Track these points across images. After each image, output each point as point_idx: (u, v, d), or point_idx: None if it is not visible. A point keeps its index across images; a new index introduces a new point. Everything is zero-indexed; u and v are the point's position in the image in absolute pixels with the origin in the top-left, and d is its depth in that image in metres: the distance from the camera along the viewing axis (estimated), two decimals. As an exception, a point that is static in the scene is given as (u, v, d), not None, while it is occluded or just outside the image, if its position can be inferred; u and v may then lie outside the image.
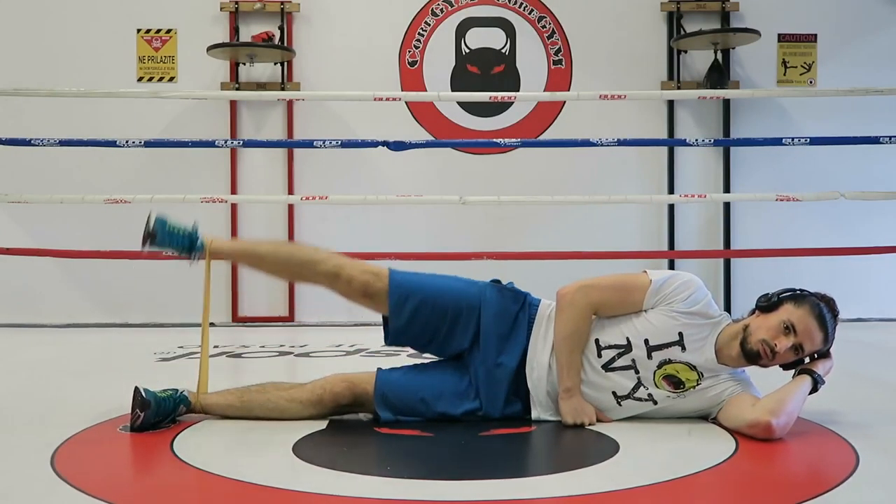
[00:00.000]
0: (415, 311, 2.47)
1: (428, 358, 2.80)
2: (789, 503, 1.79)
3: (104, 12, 5.61)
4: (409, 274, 2.55)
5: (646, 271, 2.46)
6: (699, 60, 5.69)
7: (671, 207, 5.70)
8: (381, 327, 2.57)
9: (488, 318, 2.47)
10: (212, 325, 5.36)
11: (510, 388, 2.44)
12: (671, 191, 5.69)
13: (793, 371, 2.38)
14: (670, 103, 5.69)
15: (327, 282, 2.50)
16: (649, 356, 2.37)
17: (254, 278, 5.54)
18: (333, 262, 2.50)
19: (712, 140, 5.41)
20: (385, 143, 4.66)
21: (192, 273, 5.36)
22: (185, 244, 2.56)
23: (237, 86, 5.56)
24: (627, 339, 2.39)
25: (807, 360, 2.37)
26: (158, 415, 2.31)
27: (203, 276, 2.63)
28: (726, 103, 5.66)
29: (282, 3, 5.57)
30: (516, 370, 2.44)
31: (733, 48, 5.64)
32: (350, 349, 4.16)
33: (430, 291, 2.50)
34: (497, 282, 2.57)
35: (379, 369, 2.48)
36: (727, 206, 5.67)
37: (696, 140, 5.18)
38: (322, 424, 2.38)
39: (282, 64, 5.57)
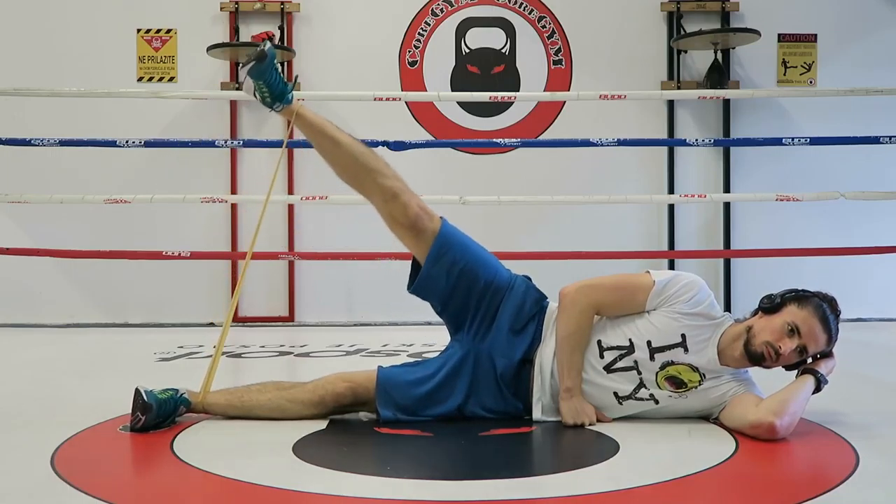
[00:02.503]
0: (452, 264, 2.46)
1: (430, 355, 2.79)
2: (789, 503, 1.78)
3: (104, 12, 5.61)
4: (459, 232, 2.54)
5: (648, 272, 2.45)
6: (699, 60, 5.69)
7: (671, 207, 5.70)
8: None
9: (508, 307, 2.47)
10: (211, 324, 5.41)
11: (510, 384, 2.44)
12: (671, 191, 5.69)
13: (795, 371, 2.39)
14: (670, 103, 5.69)
15: (382, 198, 2.45)
16: (652, 358, 2.37)
17: (254, 279, 5.54)
18: (397, 183, 2.45)
19: (712, 140, 5.41)
20: (385, 143, 4.66)
21: (192, 273, 5.39)
22: (279, 88, 2.47)
23: (237, 86, 5.55)
24: (630, 340, 2.39)
25: (809, 359, 2.37)
26: (159, 416, 2.31)
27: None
28: (726, 103, 5.66)
29: (282, 3, 5.57)
30: (517, 367, 2.44)
31: (733, 48, 5.64)
32: (350, 349, 4.16)
33: (471, 255, 2.50)
34: (528, 278, 2.57)
35: (379, 367, 2.48)
36: (727, 206, 5.67)
37: (696, 140, 5.19)
38: (322, 424, 2.38)
39: (282, 64, 5.57)
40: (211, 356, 2.54)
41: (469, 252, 2.50)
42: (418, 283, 2.50)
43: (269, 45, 2.48)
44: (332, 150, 2.50)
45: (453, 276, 2.46)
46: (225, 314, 5.49)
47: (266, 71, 2.45)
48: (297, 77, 2.60)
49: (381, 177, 2.45)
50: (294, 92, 2.54)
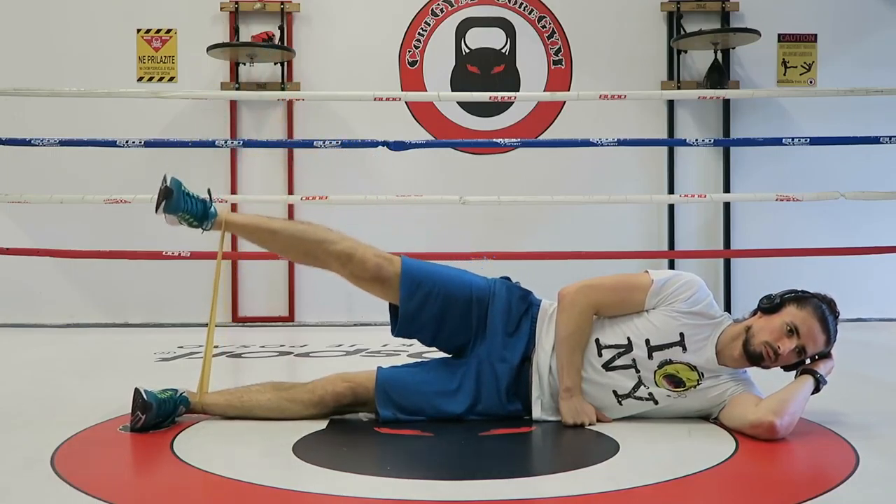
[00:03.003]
0: (426, 298, 2.46)
1: (430, 355, 2.80)
2: (789, 503, 1.79)
3: (104, 12, 5.61)
4: (422, 262, 2.54)
5: (647, 271, 2.46)
6: (699, 60, 5.69)
7: (671, 207, 5.70)
8: (388, 319, 2.55)
9: (496, 313, 2.48)
10: (212, 325, 5.40)
11: (511, 387, 2.44)
12: (671, 191, 5.69)
13: (794, 371, 2.39)
14: (670, 103, 5.69)
15: (339, 262, 2.46)
16: (650, 356, 2.37)
17: (254, 279, 5.55)
18: (347, 244, 2.46)
19: (712, 140, 5.41)
20: (385, 143, 4.66)
21: (192, 273, 5.40)
22: (199, 210, 2.50)
23: (237, 86, 5.56)
24: (628, 339, 2.39)
25: (808, 360, 2.38)
26: (159, 416, 2.31)
27: (213, 272, 2.57)
28: (726, 103, 5.66)
29: (282, 3, 5.57)
30: (517, 369, 2.44)
31: (733, 48, 5.64)
32: (350, 349, 4.16)
33: (442, 280, 2.49)
34: (507, 279, 2.57)
35: (379, 367, 2.48)
36: (727, 206, 5.67)
37: (696, 140, 5.18)
38: (322, 424, 2.38)
39: (282, 64, 5.57)
40: (201, 356, 2.54)
41: (438, 277, 2.50)
42: (401, 325, 2.50)
43: (170, 178, 2.47)
44: (273, 241, 2.53)
45: (432, 308, 2.46)
46: (223, 314, 5.52)
47: (178, 202, 2.46)
48: (209, 189, 2.60)
49: (330, 244, 2.46)
50: (214, 202, 2.54)
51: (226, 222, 2.53)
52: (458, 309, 2.47)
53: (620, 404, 2.41)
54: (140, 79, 5.63)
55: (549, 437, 2.33)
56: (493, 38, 5.76)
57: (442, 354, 2.58)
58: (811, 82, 5.76)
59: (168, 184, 2.46)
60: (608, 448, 2.16)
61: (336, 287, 5.60)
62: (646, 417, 2.43)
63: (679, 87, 5.63)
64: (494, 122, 5.73)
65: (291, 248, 2.53)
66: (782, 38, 5.75)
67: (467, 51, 5.76)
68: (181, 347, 4.18)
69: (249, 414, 2.43)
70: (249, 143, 5.32)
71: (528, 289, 2.57)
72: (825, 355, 2.37)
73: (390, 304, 2.54)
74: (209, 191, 2.57)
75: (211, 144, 5.00)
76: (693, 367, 2.37)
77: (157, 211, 2.47)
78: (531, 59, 5.76)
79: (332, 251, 2.45)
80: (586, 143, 4.77)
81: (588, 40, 5.76)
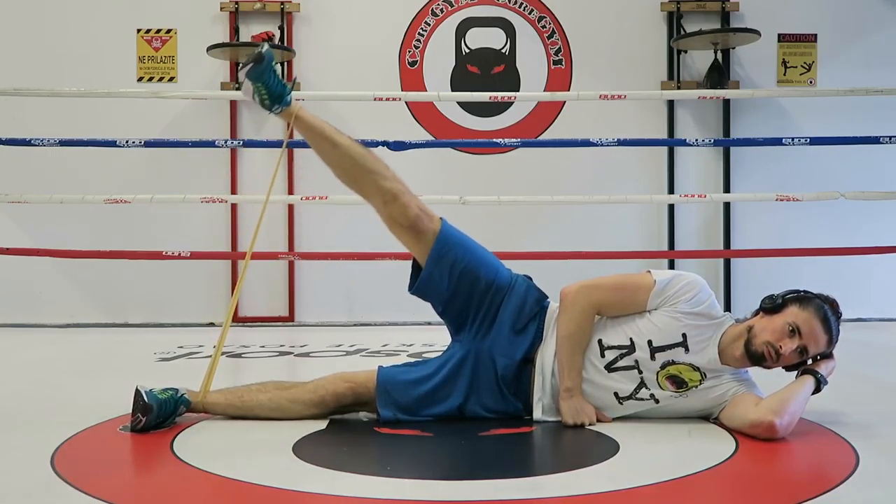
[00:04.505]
0: (453, 264, 2.45)
1: (430, 355, 2.80)
2: (789, 503, 1.79)
3: (104, 12, 5.61)
4: (459, 232, 2.53)
5: (649, 271, 2.45)
6: (699, 60, 5.69)
7: (671, 207, 5.70)
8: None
9: (509, 307, 2.47)
10: (211, 324, 5.41)
11: (510, 382, 2.44)
12: (671, 191, 5.69)
13: (795, 372, 2.39)
14: (670, 103, 5.69)
15: (382, 199, 2.44)
16: (652, 357, 2.37)
17: (254, 279, 5.54)
18: (397, 185, 2.44)
19: (712, 140, 5.41)
20: (385, 143, 4.66)
21: (192, 273, 5.40)
22: (278, 89, 2.45)
23: (237, 86, 5.56)
24: (630, 339, 2.39)
25: (809, 361, 2.38)
26: (159, 417, 2.31)
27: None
28: (726, 103, 5.66)
29: (282, 3, 5.57)
30: (518, 367, 2.44)
31: (733, 48, 5.64)
32: (350, 349, 4.16)
33: (472, 256, 2.49)
34: (529, 278, 2.57)
35: (380, 367, 2.48)
36: (727, 206, 5.67)
37: (696, 140, 5.18)
38: (322, 424, 2.38)
39: (282, 64, 5.57)
40: (210, 356, 2.54)
41: (470, 252, 2.50)
42: (419, 285, 2.49)
43: (266, 46, 2.46)
44: (330, 153, 2.49)
45: (454, 277, 2.46)
46: (225, 314, 5.52)
47: (264, 72, 2.43)
48: (295, 79, 2.58)
49: (381, 178, 2.44)
50: (293, 93, 2.52)
51: (296, 115, 2.48)
52: (476, 288, 2.47)
53: (621, 405, 2.41)
54: (140, 79, 5.63)
55: (549, 437, 2.33)
56: (493, 38, 5.76)
57: (441, 350, 2.58)
58: (811, 82, 5.76)
59: (263, 50, 2.42)
60: (608, 448, 2.16)
61: (336, 287, 5.67)
62: (646, 417, 2.43)
63: (679, 87, 5.63)
64: (494, 122, 5.73)
65: (343, 167, 2.48)
66: (782, 38, 5.75)
67: (467, 51, 5.76)
68: (181, 347, 4.18)
69: (250, 413, 2.43)
70: (249, 143, 5.32)
71: (546, 293, 2.56)
72: (827, 356, 2.37)
73: (413, 260, 2.52)
74: (295, 79, 2.53)
75: (211, 144, 5.00)
76: (696, 368, 2.37)
77: (240, 68, 2.43)
78: (531, 59, 5.76)
79: (379, 185, 2.43)
80: (586, 143, 4.77)
81: (588, 40, 5.76)
